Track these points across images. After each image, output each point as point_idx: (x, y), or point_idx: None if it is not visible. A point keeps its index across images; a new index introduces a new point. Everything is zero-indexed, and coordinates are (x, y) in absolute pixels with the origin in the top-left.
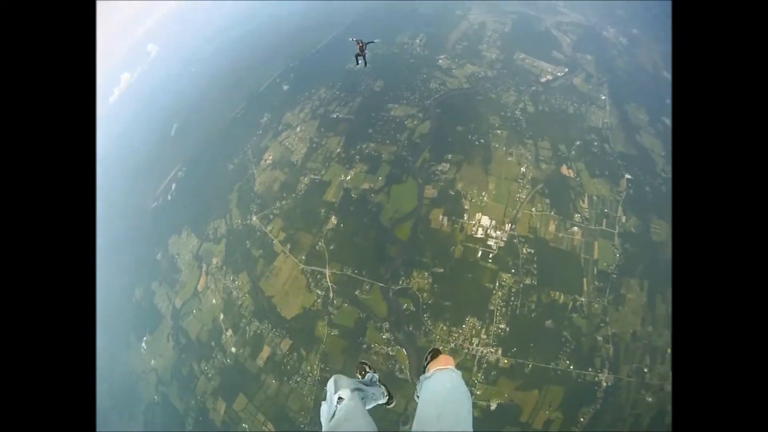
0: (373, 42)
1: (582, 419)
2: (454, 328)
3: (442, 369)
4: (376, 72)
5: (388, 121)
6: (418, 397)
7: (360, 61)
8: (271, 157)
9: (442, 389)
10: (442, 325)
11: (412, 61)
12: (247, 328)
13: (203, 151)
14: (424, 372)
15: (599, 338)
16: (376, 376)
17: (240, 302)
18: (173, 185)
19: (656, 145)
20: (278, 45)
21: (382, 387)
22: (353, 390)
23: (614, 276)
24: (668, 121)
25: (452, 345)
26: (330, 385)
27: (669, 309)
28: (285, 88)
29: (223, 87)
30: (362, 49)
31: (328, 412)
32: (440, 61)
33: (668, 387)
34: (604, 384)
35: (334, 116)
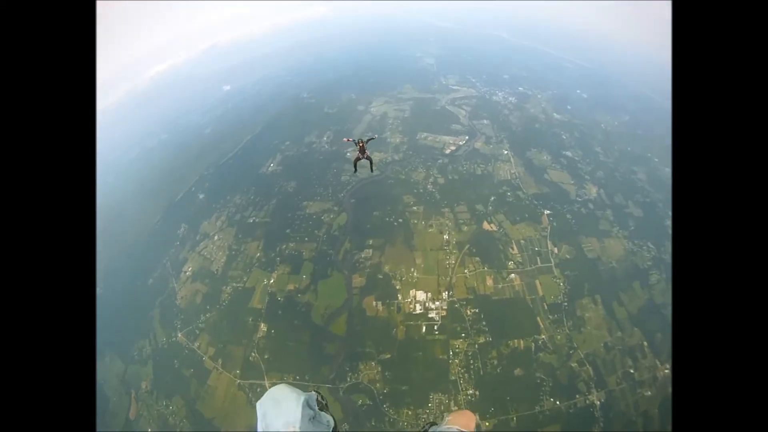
0: (372, 138)
1: None
2: (420, 410)
3: (454, 428)
4: (288, 172)
5: (305, 219)
6: None
7: (358, 167)
8: (190, 269)
9: None
10: (406, 410)
11: (321, 158)
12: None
13: (121, 265)
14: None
15: (574, 365)
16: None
17: (179, 429)
18: None
19: (564, 177)
20: (193, 154)
21: (330, 417)
22: (309, 420)
23: (565, 304)
24: (569, 154)
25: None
26: (277, 398)
27: (628, 309)
28: (200, 197)
29: (139, 198)
30: (363, 150)
31: None
32: (348, 154)
33: (660, 374)
34: (598, 402)
35: (251, 221)
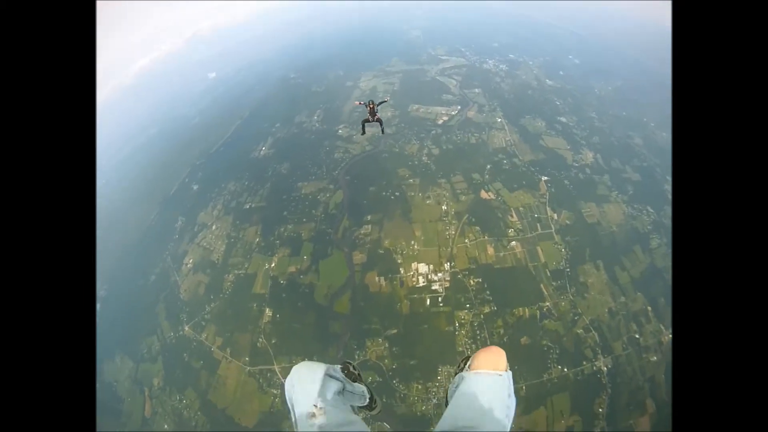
0: (385, 101)
1: (600, 410)
2: (430, 384)
3: (482, 372)
4: (280, 155)
5: (301, 200)
6: (447, 402)
7: (367, 129)
8: (191, 261)
9: (478, 397)
10: (416, 385)
11: (312, 138)
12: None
13: (123, 266)
14: (461, 369)
15: (580, 331)
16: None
17: (194, 422)
18: (98, 306)
19: (560, 143)
20: (183, 145)
21: (364, 387)
22: (336, 393)
23: (568, 270)
24: (564, 119)
25: (434, 400)
26: (298, 376)
27: (630, 273)
28: (195, 188)
29: (134, 196)
30: (373, 112)
31: (305, 412)
32: (340, 131)
33: (665, 339)
34: (605, 368)
35: (247, 207)
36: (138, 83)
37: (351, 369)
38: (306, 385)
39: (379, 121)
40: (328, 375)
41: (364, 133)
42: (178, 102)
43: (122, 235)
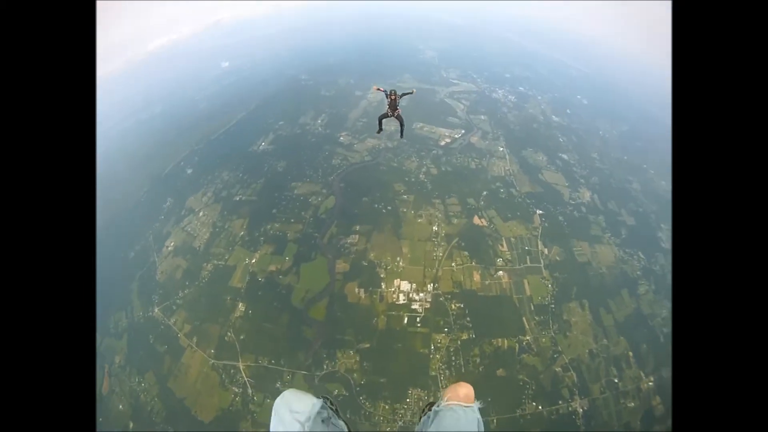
0: (410, 93)
1: None
2: (398, 405)
3: (454, 405)
4: (279, 152)
5: (292, 200)
6: None
7: (383, 126)
8: (173, 244)
9: (453, 427)
10: (383, 404)
11: (313, 140)
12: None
13: (103, 235)
14: (431, 406)
15: (558, 369)
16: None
17: (150, 407)
18: None
19: (559, 178)
20: (184, 128)
21: (343, 423)
22: (322, 420)
23: (552, 306)
24: (566, 156)
25: (400, 423)
26: (284, 406)
27: (615, 317)
28: (189, 171)
29: (127, 169)
30: (394, 105)
31: None
32: (342, 138)
33: (644, 386)
34: (581, 410)
35: (238, 198)
36: (151, 61)
37: (330, 405)
38: (296, 409)
39: (400, 119)
40: (317, 405)
41: (380, 131)
42: (188, 85)
43: (109, 206)
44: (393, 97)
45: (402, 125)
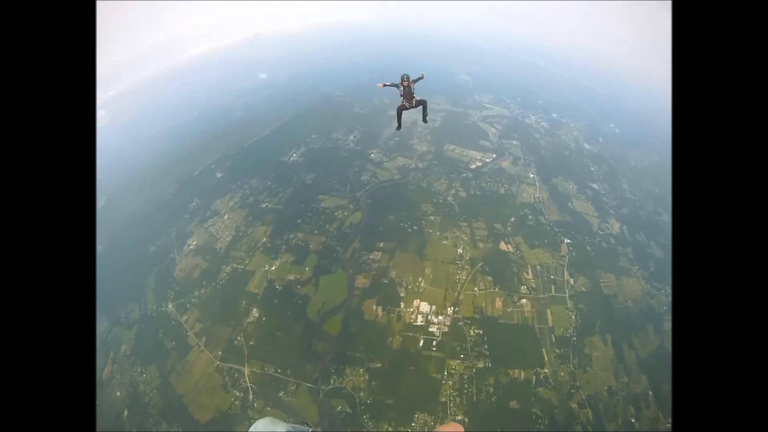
0: (421, 77)
1: None
2: (402, 428)
3: None
4: (309, 164)
5: (318, 212)
6: None
7: (402, 121)
8: (194, 243)
9: None
10: (386, 426)
11: (344, 155)
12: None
13: (127, 228)
14: None
15: (574, 405)
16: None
17: (147, 399)
18: None
19: (588, 208)
20: (218, 133)
21: None
22: None
23: (574, 339)
24: (596, 186)
25: None
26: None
27: (638, 353)
28: (218, 175)
29: (158, 168)
30: (410, 93)
31: None
32: (372, 155)
33: (662, 427)
34: None
35: (264, 206)
36: (190, 67)
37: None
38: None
39: (422, 104)
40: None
41: (400, 127)
42: (225, 93)
43: (136, 200)
44: (406, 83)
45: (424, 108)
